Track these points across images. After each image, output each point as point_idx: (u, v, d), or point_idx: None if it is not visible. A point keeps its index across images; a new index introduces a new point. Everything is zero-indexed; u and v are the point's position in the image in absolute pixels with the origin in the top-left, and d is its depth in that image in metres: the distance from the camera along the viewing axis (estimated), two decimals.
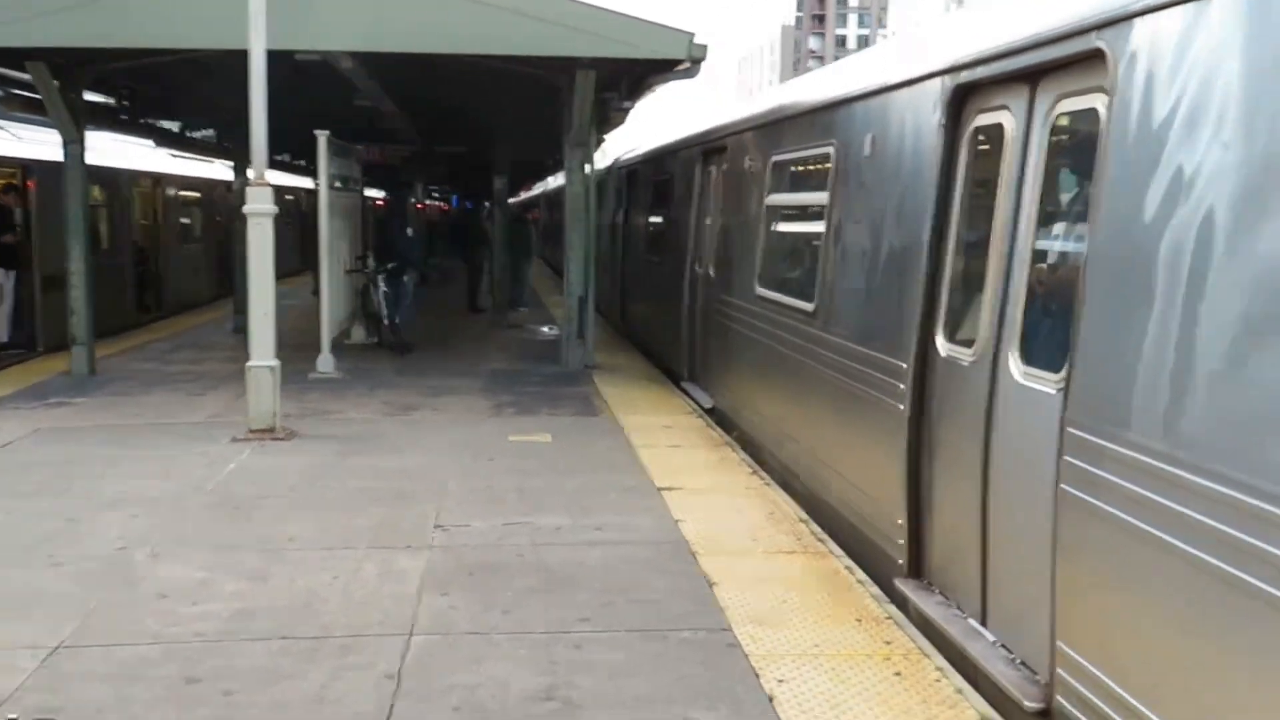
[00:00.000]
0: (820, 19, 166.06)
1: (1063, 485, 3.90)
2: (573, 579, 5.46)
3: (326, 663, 4.44)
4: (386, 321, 14.10)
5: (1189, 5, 3.57)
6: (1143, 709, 3.41)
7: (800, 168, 8.03)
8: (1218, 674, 3.13)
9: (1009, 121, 4.90)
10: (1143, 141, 3.71)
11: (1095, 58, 4.09)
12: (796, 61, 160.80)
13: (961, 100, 5.29)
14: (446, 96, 15.08)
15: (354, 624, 4.85)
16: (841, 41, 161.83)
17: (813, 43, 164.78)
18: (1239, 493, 3.02)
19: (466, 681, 4.28)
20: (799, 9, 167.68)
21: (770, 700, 4.15)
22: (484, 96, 14.82)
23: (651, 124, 27.45)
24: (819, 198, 7.18)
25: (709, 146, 11.10)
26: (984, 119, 5.15)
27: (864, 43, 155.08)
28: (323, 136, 12.41)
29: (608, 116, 13.68)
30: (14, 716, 3.88)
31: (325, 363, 11.88)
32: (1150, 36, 3.74)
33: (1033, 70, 4.66)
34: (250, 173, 9.06)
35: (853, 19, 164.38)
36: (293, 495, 6.97)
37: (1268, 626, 2.91)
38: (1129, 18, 3.87)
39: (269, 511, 6.60)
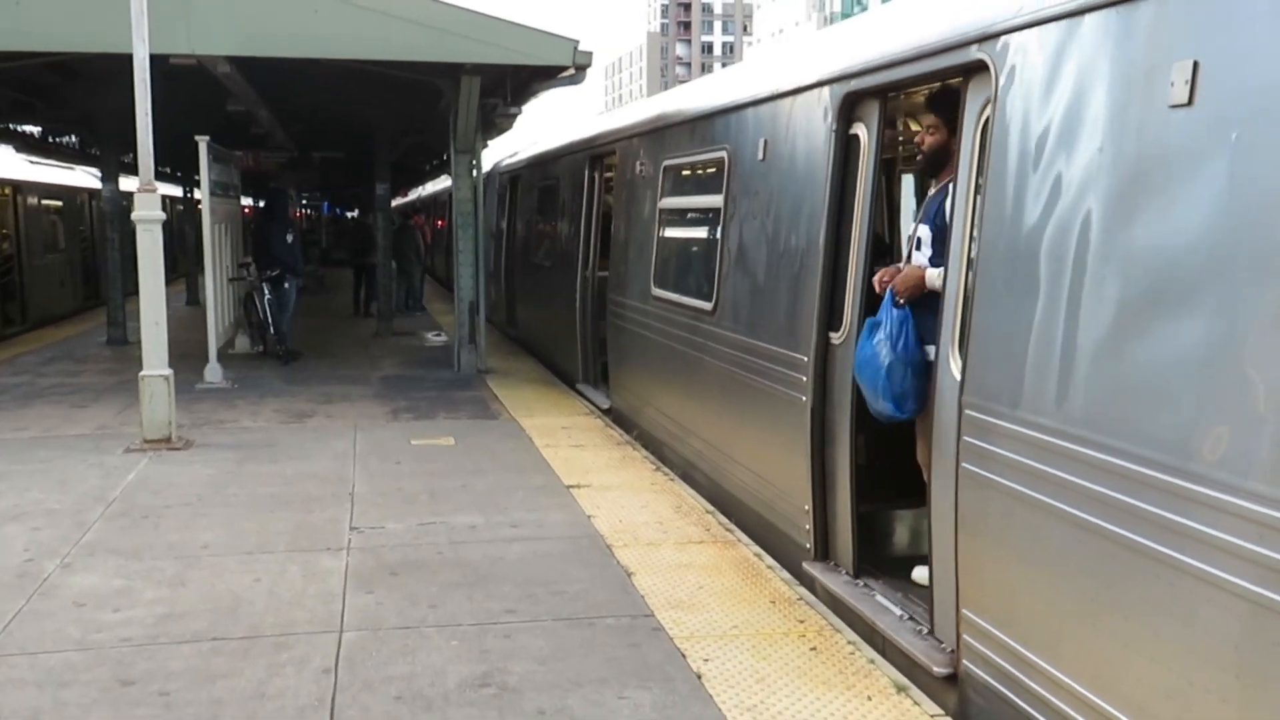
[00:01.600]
0: (686, 26, 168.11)
1: (963, 464, 4.22)
2: (494, 574, 5.60)
3: (261, 660, 4.50)
4: (272, 330, 13.92)
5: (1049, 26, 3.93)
6: (1042, 664, 3.74)
7: (694, 171, 8.30)
8: (1107, 622, 3.46)
9: (862, 132, 5.38)
10: (1022, 147, 4.06)
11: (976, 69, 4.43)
12: (664, 68, 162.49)
13: (850, 107, 5.63)
14: (325, 101, 14.98)
15: (283, 623, 4.91)
16: (708, 48, 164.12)
17: (679, 49, 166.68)
18: (1114, 457, 3.36)
19: (403, 672, 4.40)
20: (664, 16, 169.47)
21: (699, 677, 4.38)
22: (363, 101, 14.78)
23: (523, 130, 27.55)
24: (714, 200, 7.46)
25: (598, 151, 11.31)
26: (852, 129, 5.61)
27: (729, 49, 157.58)
28: (203, 142, 12.22)
29: (493, 121, 13.78)
30: None
31: (213, 372, 11.71)
32: (1019, 52, 4.09)
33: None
34: (137, 180, 8.91)
35: (718, 26, 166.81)
36: (199, 503, 6.92)
37: (1145, 574, 3.25)
38: (1000, 34, 4.22)
39: (177, 520, 6.56)
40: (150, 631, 4.81)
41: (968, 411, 4.21)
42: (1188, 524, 3.12)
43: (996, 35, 4.32)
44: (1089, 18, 3.80)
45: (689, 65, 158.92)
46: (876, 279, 5.20)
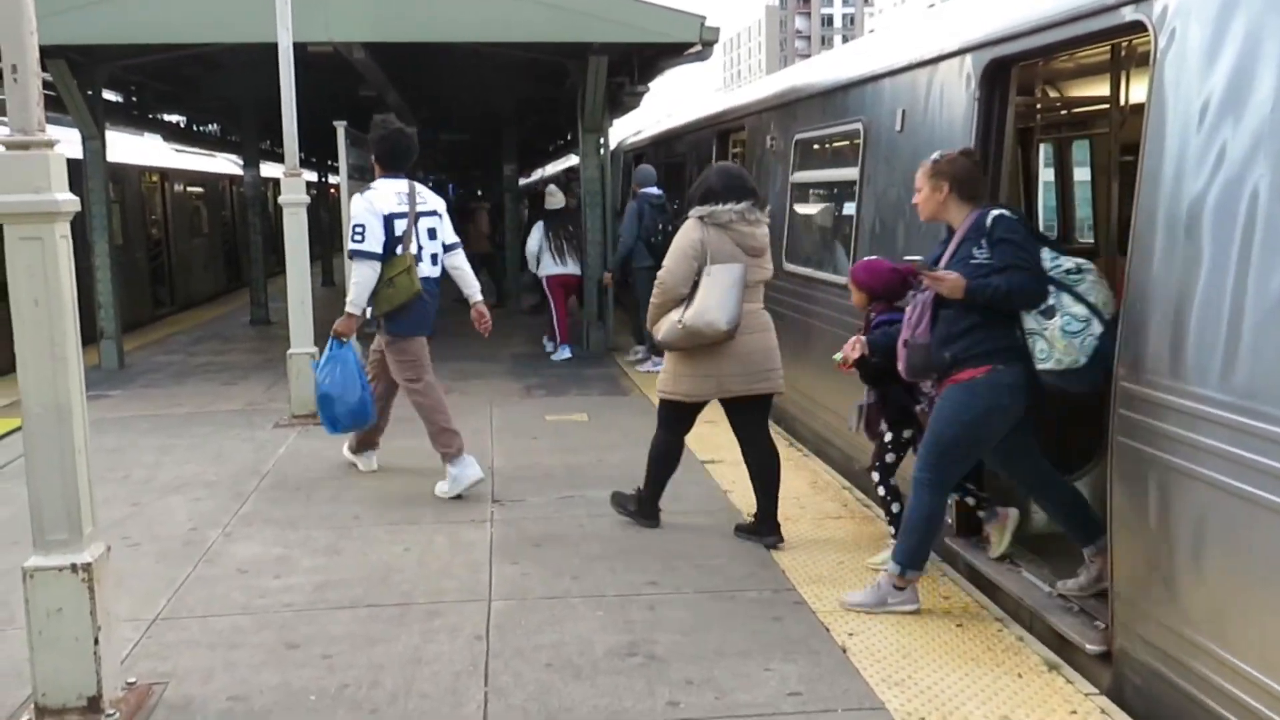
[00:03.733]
0: None
1: (1117, 437, 4.11)
2: (634, 546, 5.67)
3: (415, 627, 4.65)
4: None
5: None
6: (1205, 642, 3.63)
7: (827, 145, 8.22)
8: (1275, 600, 3.35)
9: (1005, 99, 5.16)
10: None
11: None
12: (783, 42, 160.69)
13: (993, 74, 5.50)
14: (452, 83, 15.23)
15: (434, 591, 5.07)
16: (827, 21, 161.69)
17: (799, 23, 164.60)
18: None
19: (551, 641, 4.50)
20: None
21: (844, 651, 4.37)
22: (489, 82, 14.98)
23: (645, 108, 27.56)
24: (849, 173, 7.38)
25: (726, 127, 11.28)
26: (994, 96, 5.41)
27: (849, 21, 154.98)
28: (341, 127, 12.54)
29: (620, 100, 13.84)
30: (133, 680, 4.08)
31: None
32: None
33: None
34: (277, 166, 9.24)
35: None
36: (346, 476, 7.17)
37: None
38: None
39: (327, 491, 6.81)
40: (310, 598, 5.02)
41: (1123, 384, 4.10)
42: None
43: None
44: None
45: (808, 39, 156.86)
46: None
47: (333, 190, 26.45)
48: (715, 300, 5.45)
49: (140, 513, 6.41)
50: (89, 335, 12.43)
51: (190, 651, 4.43)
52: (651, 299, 5.79)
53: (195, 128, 20.69)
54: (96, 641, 3.71)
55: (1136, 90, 6.22)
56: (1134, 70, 6.26)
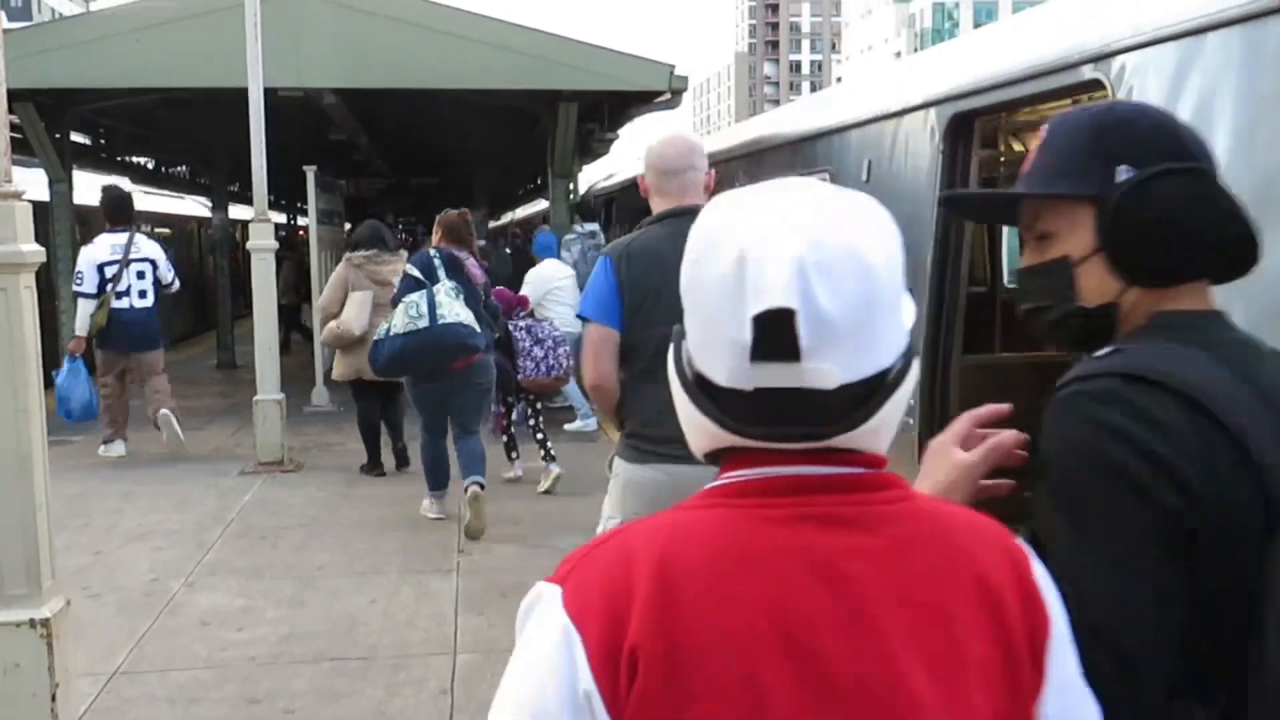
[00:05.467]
0: (774, 45, 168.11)
1: None
2: None
3: (380, 680, 4.60)
4: None
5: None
6: None
7: None
8: None
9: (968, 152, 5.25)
10: None
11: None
12: (752, 88, 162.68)
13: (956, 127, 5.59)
14: (422, 128, 15.31)
15: (399, 643, 5.02)
16: (796, 67, 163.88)
17: (768, 69, 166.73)
18: None
19: None
20: (752, 36, 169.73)
21: None
22: (460, 127, 15.07)
23: (622, 152, 27.77)
24: None
25: None
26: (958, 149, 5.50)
27: (817, 68, 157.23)
28: (311, 172, 12.57)
29: (590, 146, 13.95)
30: None
31: (320, 395, 11.99)
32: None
33: None
34: (245, 208, 9.25)
35: (806, 45, 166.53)
36: (313, 524, 7.11)
37: None
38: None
39: (292, 540, 6.75)
40: (273, 650, 4.96)
41: None
42: None
43: (1112, 55, 4.27)
44: (1211, 36, 3.74)
45: (777, 85, 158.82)
46: None
47: (301, 233, 26.42)
48: (353, 314, 7.80)
49: (101, 562, 6.33)
50: (52, 379, 12.31)
51: (150, 707, 4.37)
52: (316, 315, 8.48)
53: (164, 170, 20.65)
54: (54, 698, 3.66)
55: None
56: None
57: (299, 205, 23.37)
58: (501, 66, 10.57)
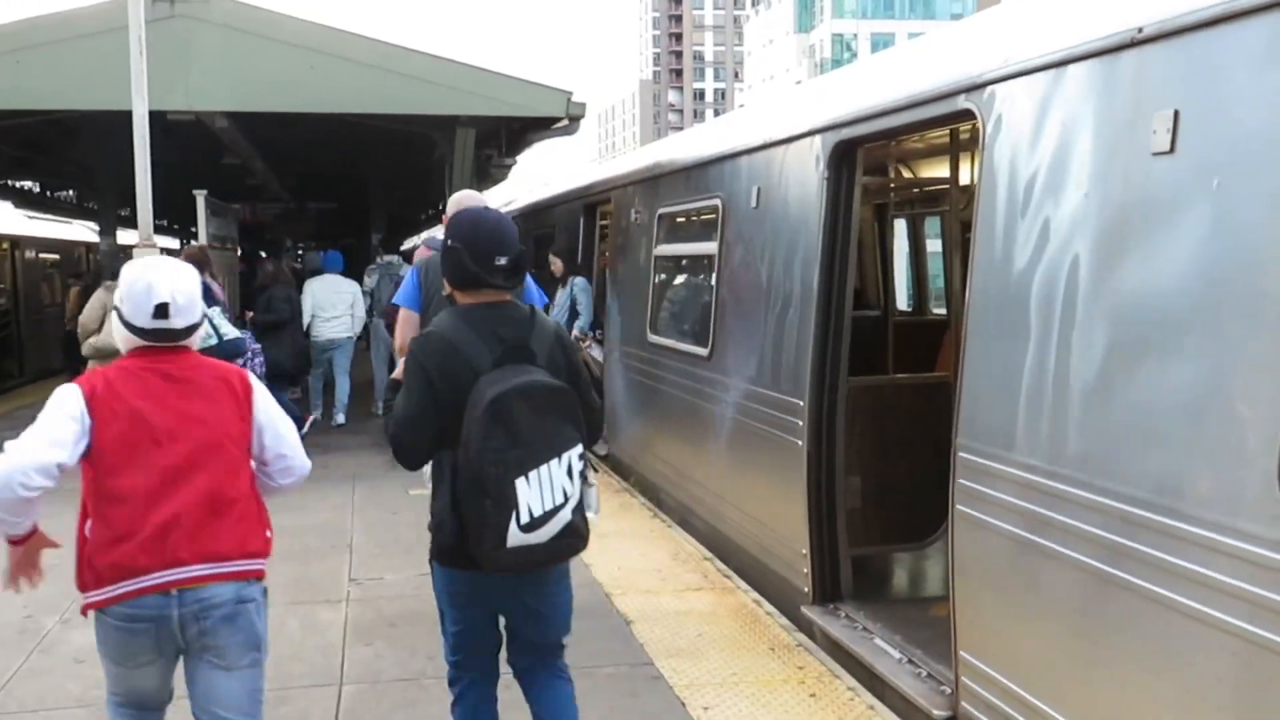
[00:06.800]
0: (678, 73, 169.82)
1: (958, 505, 4.26)
2: None
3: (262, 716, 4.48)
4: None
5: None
6: (1041, 705, 3.75)
7: (688, 219, 8.39)
8: (1105, 663, 3.48)
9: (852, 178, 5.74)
10: None
11: None
12: (656, 115, 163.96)
13: (840, 155, 5.72)
14: (319, 152, 15.13)
15: (282, 676, 4.91)
16: (700, 95, 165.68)
17: (672, 96, 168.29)
18: (1106, 499, 3.40)
19: None
20: (656, 64, 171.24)
21: None
22: (357, 151, 14.94)
23: (519, 177, 27.77)
24: (708, 247, 7.54)
25: (593, 199, 11.43)
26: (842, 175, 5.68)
27: (721, 96, 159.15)
28: (201, 196, 12.31)
29: (488, 172, 13.91)
30: None
31: None
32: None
33: None
34: (136, 234, 9.02)
35: (710, 73, 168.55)
36: None
37: (1142, 615, 3.28)
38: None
39: None
40: None
41: (961, 454, 4.25)
42: (1181, 564, 3.15)
43: (983, 85, 4.41)
44: (1073, 68, 3.89)
45: (681, 112, 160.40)
46: None
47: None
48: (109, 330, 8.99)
49: None
50: None
51: None
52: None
53: (50, 194, 20.04)
54: None
55: (973, 172, 6.53)
56: (971, 154, 6.58)
57: (192, 230, 22.84)
58: (397, 91, 10.50)
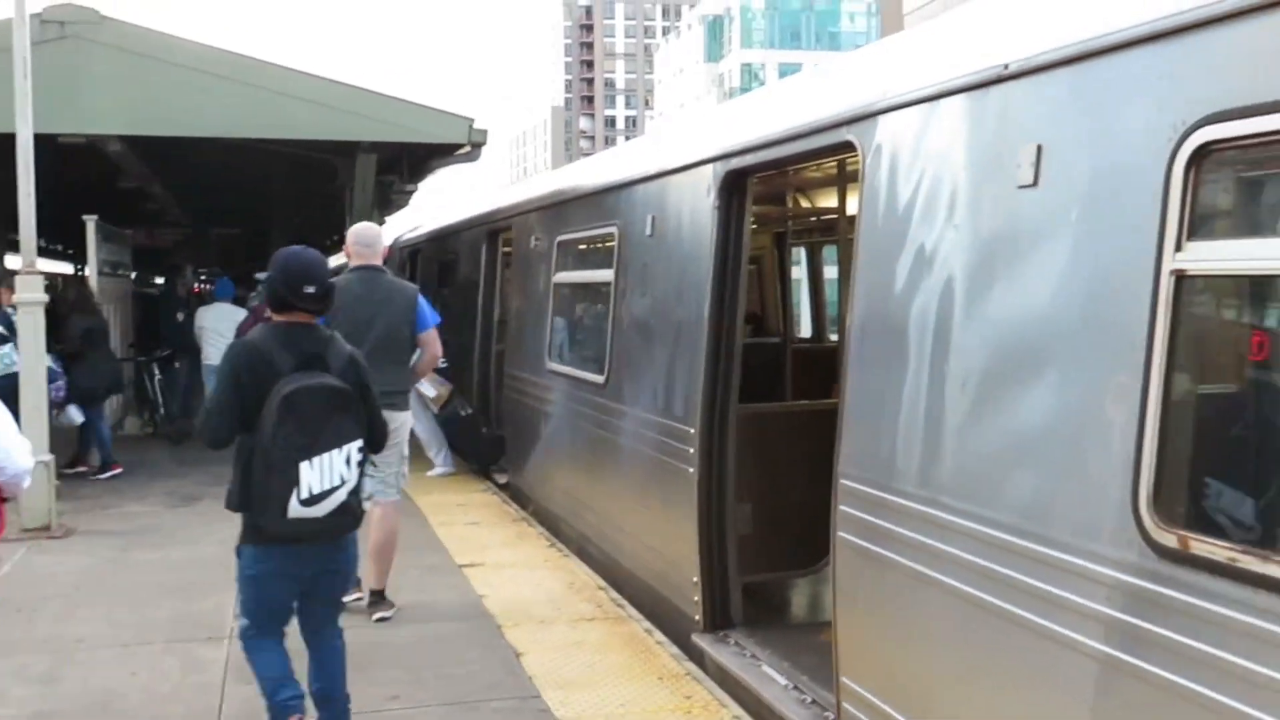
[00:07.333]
0: (590, 100, 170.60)
1: (839, 532, 4.29)
2: (380, 658, 5.50)
3: None
4: (162, 410, 13.61)
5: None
6: None
7: (586, 247, 8.40)
8: (976, 686, 3.54)
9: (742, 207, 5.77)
10: None
11: None
12: (568, 141, 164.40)
13: (730, 184, 5.78)
14: (220, 177, 14.85)
15: (157, 718, 4.76)
16: (611, 122, 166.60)
17: (583, 123, 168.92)
18: (973, 523, 3.46)
19: None
20: (568, 91, 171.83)
21: None
22: (259, 176, 14.69)
23: (431, 202, 27.54)
24: (605, 275, 7.55)
25: (496, 226, 11.38)
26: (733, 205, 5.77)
27: (632, 123, 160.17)
28: (91, 221, 12.00)
29: (390, 198, 13.79)
30: None
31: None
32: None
33: None
34: (18, 261, 8.75)
35: (621, 100, 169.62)
36: (77, 594, 6.70)
37: (1008, 637, 3.34)
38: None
39: (51, 612, 6.33)
40: None
41: (843, 481, 4.29)
42: (1046, 588, 3.22)
43: (863, 118, 4.49)
44: (944, 103, 3.98)
45: (593, 139, 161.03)
46: None
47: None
48: None
49: None
50: None
51: None
52: None
53: None
54: None
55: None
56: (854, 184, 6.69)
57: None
58: (296, 116, 10.36)
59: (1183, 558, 2.80)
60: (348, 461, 4.11)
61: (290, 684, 4.32)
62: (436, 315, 6.79)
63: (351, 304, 5.97)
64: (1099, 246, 3.18)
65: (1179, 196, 2.88)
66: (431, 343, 6.57)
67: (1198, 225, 2.89)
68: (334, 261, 28.34)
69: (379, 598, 6.27)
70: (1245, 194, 3.05)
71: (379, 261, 6.46)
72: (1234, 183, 3.00)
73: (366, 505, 4.62)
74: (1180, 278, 2.89)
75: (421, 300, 6.56)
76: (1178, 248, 2.89)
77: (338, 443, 4.06)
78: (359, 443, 4.17)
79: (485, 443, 10.83)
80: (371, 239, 6.49)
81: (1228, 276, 3.00)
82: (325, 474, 4.03)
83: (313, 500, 4.01)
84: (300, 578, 4.30)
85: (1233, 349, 3.26)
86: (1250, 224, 3.03)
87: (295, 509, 3.99)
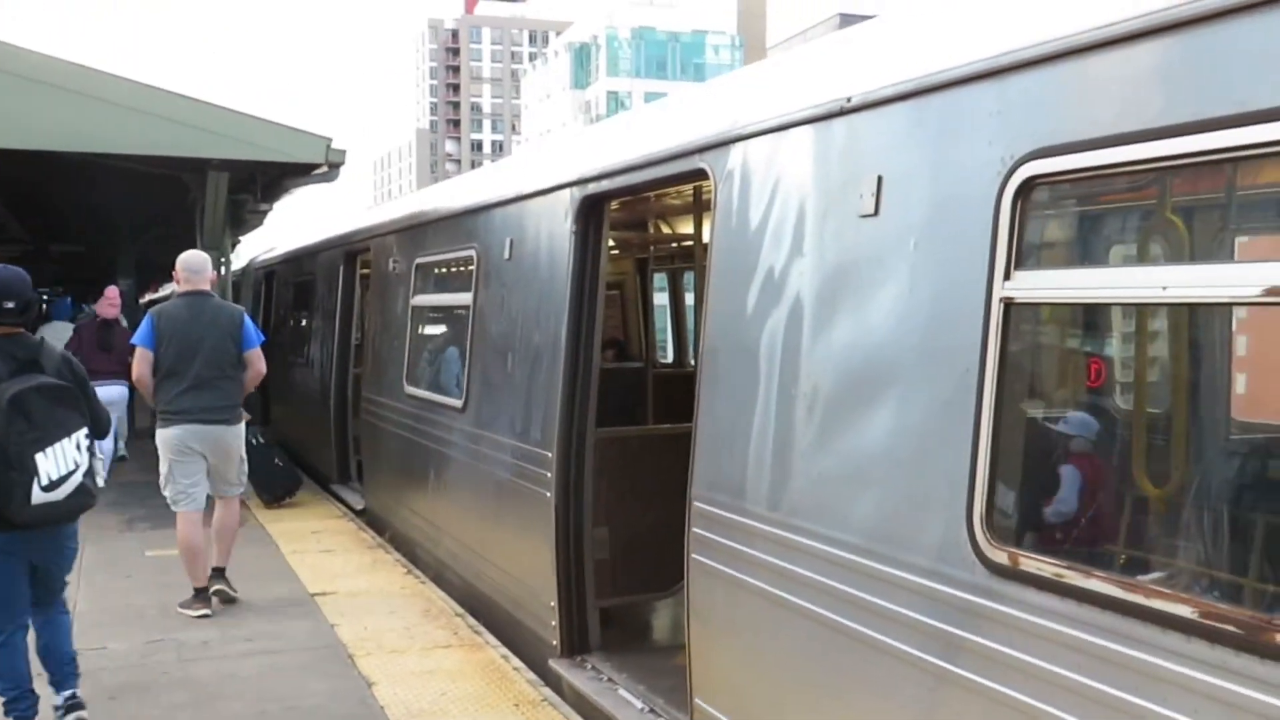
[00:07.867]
0: (456, 124, 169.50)
1: (692, 554, 4.34)
2: (225, 692, 5.32)
3: None
4: None
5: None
6: None
7: (445, 270, 8.33)
8: (821, 702, 3.60)
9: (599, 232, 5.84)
10: None
11: None
12: (434, 164, 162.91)
13: (588, 209, 5.82)
14: (63, 192, 14.24)
15: None
16: (477, 146, 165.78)
17: (449, 146, 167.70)
18: (813, 541, 3.54)
19: None
20: (434, 113, 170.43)
21: None
22: (105, 193, 14.12)
23: (292, 222, 26.93)
24: (464, 298, 7.49)
25: (354, 247, 11.19)
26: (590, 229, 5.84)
27: (499, 147, 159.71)
28: None
29: (243, 218, 13.43)
30: None
31: None
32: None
33: None
34: None
35: (488, 124, 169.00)
36: None
37: (847, 653, 3.42)
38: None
39: None
40: None
41: (696, 504, 4.34)
42: (885, 605, 3.30)
43: (715, 146, 4.57)
44: (792, 133, 4.08)
45: (459, 162, 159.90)
46: None
47: None
48: None
49: None
50: None
51: None
52: None
53: None
54: None
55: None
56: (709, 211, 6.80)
57: None
58: (144, 131, 9.98)
59: (1013, 574, 2.91)
60: (78, 447, 4.64)
61: (29, 696, 4.75)
62: (262, 335, 7.40)
63: (180, 327, 6.74)
64: (935, 274, 3.30)
65: (1007, 227, 3.01)
66: (255, 360, 7.06)
67: (1025, 255, 3.03)
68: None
69: (219, 575, 6.86)
70: (1067, 226, 3.21)
71: (207, 286, 7.08)
72: (1057, 215, 3.16)
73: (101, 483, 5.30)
74: (1009, 305, 3.01)
75: (247, 320, 7.16)
76: (1007, 276, 3.01)
77: (66, 432, 4.58)
78: (85, 430, 4.71)
79: (278, 474, 10.61)
80: (199, 265, 7.12)
81: (1052, 304, 3.15)
82: (59, 461, 4.52)
83: (53, 485, 4.49)
84: (32, 563, 4.71)
85: (1059, 374, 3.42)
86: (1072, 254, 3.19)
87: (38, 495, 4.44)
